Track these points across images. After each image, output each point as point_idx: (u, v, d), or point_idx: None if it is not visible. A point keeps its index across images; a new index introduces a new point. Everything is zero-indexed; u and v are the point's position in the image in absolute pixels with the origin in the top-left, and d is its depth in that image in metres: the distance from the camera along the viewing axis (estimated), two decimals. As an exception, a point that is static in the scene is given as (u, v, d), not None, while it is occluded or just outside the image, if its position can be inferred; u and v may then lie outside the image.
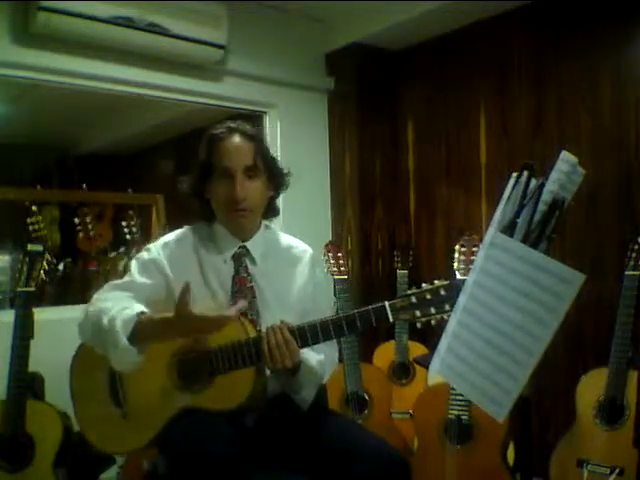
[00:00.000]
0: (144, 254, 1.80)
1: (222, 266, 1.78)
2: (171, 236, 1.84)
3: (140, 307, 1.63)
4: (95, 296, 1.77)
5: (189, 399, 1.62)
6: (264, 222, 1.88)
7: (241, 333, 1.63)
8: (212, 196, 1.78)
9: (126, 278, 1.78)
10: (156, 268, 1.75)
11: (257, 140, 1.77)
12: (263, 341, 1.59)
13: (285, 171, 1.85)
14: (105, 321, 1.59)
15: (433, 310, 1.55)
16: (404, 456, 1.67)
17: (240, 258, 1.79)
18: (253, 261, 1.80)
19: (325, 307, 1.92)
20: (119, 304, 1.65)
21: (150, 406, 1.66)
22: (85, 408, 1.78)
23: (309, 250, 1.92)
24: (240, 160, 1.72)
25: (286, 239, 1.92)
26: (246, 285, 1.77)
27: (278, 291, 1.80)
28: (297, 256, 1.87)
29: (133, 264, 1.79)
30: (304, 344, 1.62)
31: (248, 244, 1.81)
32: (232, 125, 1.78)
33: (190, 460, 1.51)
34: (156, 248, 1.79)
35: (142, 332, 1.56)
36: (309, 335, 1.61)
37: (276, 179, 1.82)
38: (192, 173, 1.80)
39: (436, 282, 1.57)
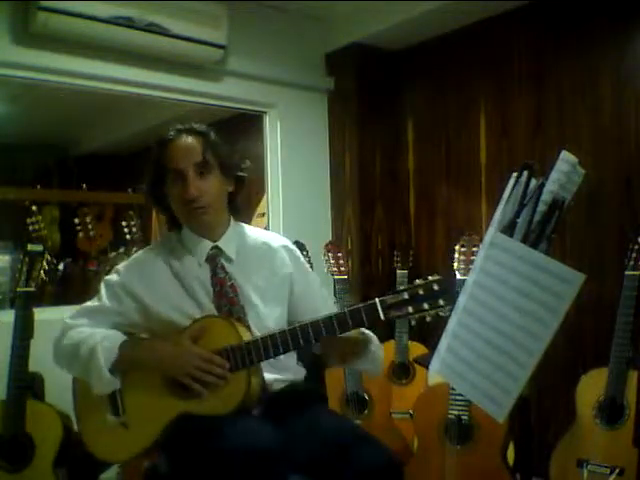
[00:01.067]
0: (113, 277, 1.78)
1: (198, 270, 1.76)
2: (139, 254, 1.83)
3: (121, 337, 1.68)
4: (67, 321, 1.77)
5: (185, 405, 1.62)
6: (233, 220, 1.85)
7: (234, 337, 1.62)
8: (171, 200, 1.75)
9: (96, 303, 1.77)
10: (124, 292, 1.74)
11: (206, 135, 1.75)
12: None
13: (243, 165, 1.82)
14: (84, 351, 1.65)
15: (426, 305, 1.52)
16: (399, 457, 1.67)
17: (215, 259, 1.76)
18: (228, 259, 1.78)
19: (319, 287, 1.91)
20: (97, 334, 1.68)
21: (148, 413, 1.67)
22: (87, 422, 1.78)
23: (286, 242, 1.90)
24: (189, 158, 1.69)
25: (259, 234, 1.89)
26: (226, 284, 1.74)
27: (258, 285, 1.78)
28: (273, 248, 1.85)
29: (102, 288, 1.77)
30: (295, 345, 1.61)
31: (220, 243, 1.78)
32: (180, 127, 1.76)
33: (211, 456, 1.50)
34: (124, 269, 1.78)
35: (124, 363, 1.65)
36: (300, 335, 1.59)
37: (232, 172, 1.78)
38: (147, 181, 1.77)
39: (429, 277, 1.55)
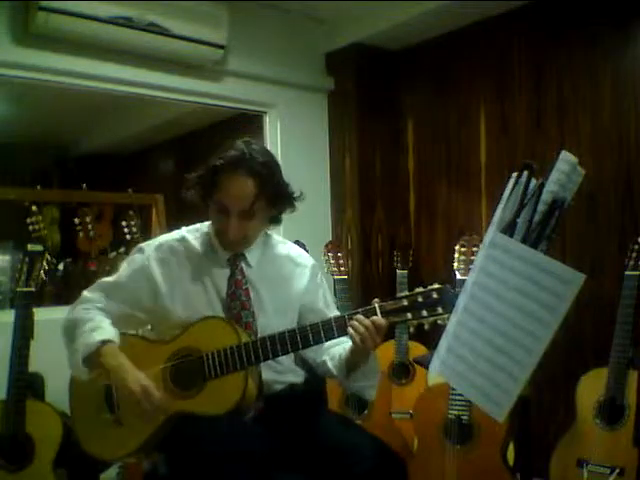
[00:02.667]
0: (136, 256, 1.81)
1: (217, 268, 1.78)
2: (166, 237, 1.84)
3: (109, 334, 1.69)
4: (85, 293, 1.82)
5: (181, 404, 1.62)
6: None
7: (233, 338, 1.63)
8: (210, 213, 1.76)
9: (114, 278, 1.81)
10: (144, 273, 1.76)
11: (263, 177, 1.67)
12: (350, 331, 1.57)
13: (294, 194, 1.78)
14: (77, 333, 1.71)
15: (425, 313, 1.54)
16: (401, 456, 1.67)
17: (236, 261, 1.79)
18: (249, 265, 1.80)
19: (329, 306, 1.91)
20: (96, 322, 1.71)
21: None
22: (82, 419, 1.79)
23: (311, 260, 1.92)
24: (238, 204, 1.66)
25: (285, 247, 1.91)
26: (241, 287, 1.76)
27: (275, 293, 1.80)
28: (295, 262, 1.87)
29: (124, 265, 1.81)
30: (294, 347, 1.62)
31: (244, 251, 1.80)
32: (240, 155, 1.66)
33: (208, 458, 1.51)
34: (149, 250, 1.80)
35: (95, 362, 1.67)
36: (299, 338, 1.60)
37: (280, 206, 1.77)
38: (195, 186, 1.74)
39: (429, 286, 1.57)
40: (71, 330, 1.73)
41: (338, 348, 1.76)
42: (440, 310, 1.53)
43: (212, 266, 1.78)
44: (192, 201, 1.78)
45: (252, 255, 1.81)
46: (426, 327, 1.56)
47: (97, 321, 1.72)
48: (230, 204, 1.67)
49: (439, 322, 1.54)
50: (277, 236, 1.94)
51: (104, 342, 1.67)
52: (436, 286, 1.56)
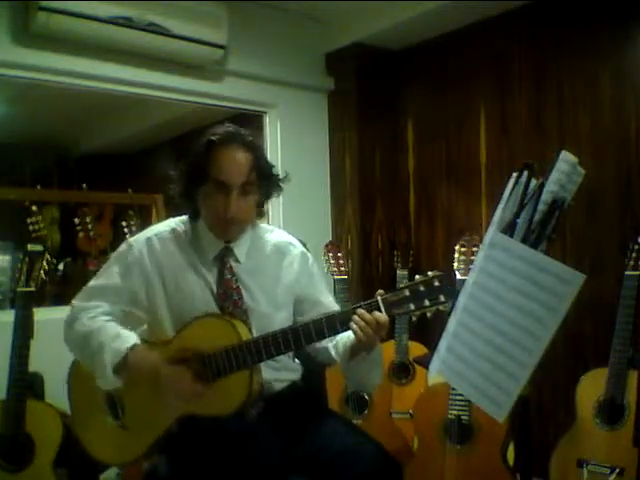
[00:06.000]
0: (126, 253, 1.74)
1: (205, 267, 1.74)
2: (155, 230, 1.78)
3: (132, 339, 1.64)
4: (79, 303, 1.74)
5: (188, 407, 1.61)
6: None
7: (234, 337, 1.61)
8: (202, 202, 1.71)
9: (105, 281, 1.74)
10: (136, 269, 1.72)
11: (256, 151, 1.69)
12: (352, 323, 1.55)
13: (280, 176, 1.77)
14: (93, 343, 1.63)
15: (427, 302, 1.52)
16: (398, 459, 1.67)
17: (223, 259, 1.75)
18: (237, 260, 1.76)
19: (325, 294, 1.88)
20: (110, 328, 1.66)
21: (149, 415, 1.65)
22: (84, 421, 1.78)
23: (300, 247, 1.87)
24: (237, 176, 1.64)
25: (273, 236, 1.86)
26: (232, 286, 1.73)
27: (266, 287, 1.77)
28: (283, 251, 1.83)
29: (114, 264, 1.74)
30: (298, 344, 1.60)
31: (232, 244, 1.76)
32: (231, 131, 1.70)
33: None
34: (138, 245, 1.74)
35: (128, 368, 1.61)
36: (302, 334, 1.58)
37: (269, 188, 1.76)
38: (184, 175, 1.73)
39: (429, 273, 1.54)
40: (84, 342, 1.66)
41: (342, 335, 1.72)
42: (442, 298, 1.51)
43: (200, 265, 1.74)
44: (180, 197, 1.75)
45: (240, 249, 1.76)
46: (428, 315, 1.55)
47: (113, 328, 1.67)
48: (229, 178, 1.64)
49: (441, 308, 1.52)
50: (264, 224, 1.88)
51: (133, 347, 1.62)
52: (436, 273, 1.53)
